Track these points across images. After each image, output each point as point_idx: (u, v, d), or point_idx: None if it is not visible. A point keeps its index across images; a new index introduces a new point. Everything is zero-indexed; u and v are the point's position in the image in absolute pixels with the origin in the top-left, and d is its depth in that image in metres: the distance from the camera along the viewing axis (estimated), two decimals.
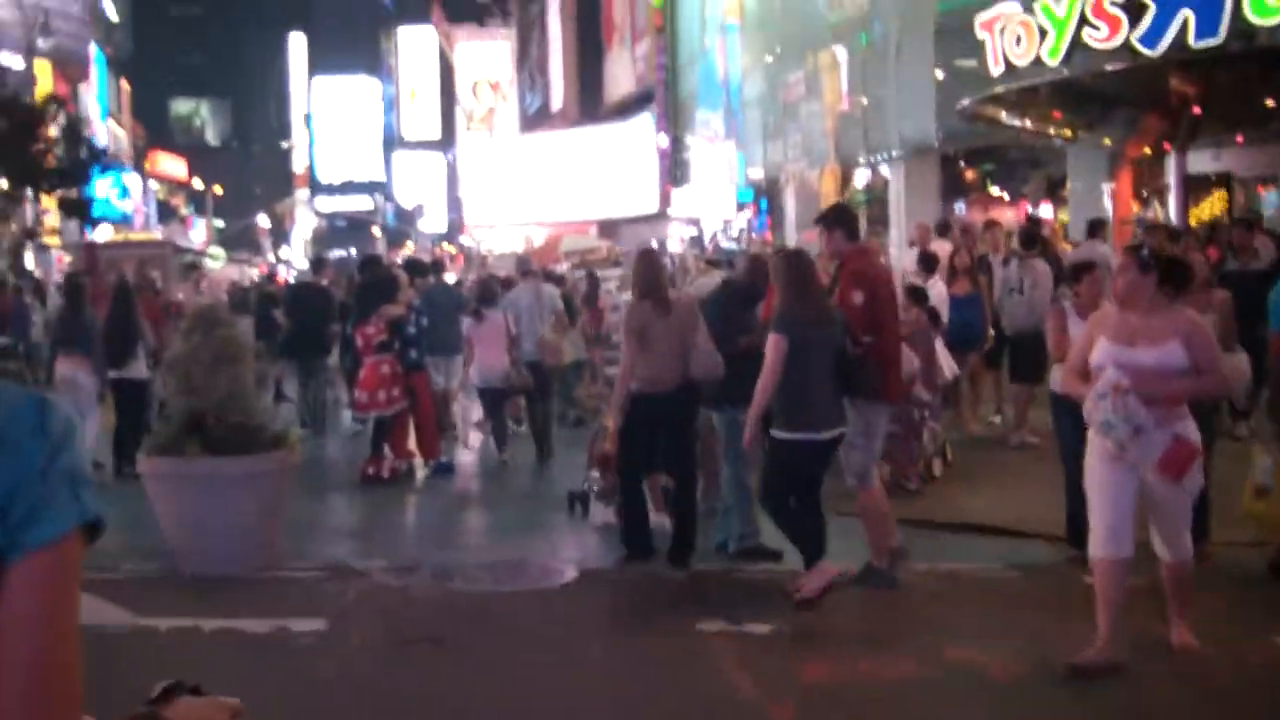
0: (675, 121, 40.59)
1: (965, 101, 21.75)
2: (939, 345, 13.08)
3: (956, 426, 14.63)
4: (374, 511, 13.13)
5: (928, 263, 15.18)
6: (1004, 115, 22.41)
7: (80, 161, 35.42)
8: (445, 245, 77.72)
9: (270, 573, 9.63)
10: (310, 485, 12.29)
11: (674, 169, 40.65)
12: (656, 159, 41.47)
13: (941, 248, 16.42)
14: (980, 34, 20.16)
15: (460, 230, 70.75)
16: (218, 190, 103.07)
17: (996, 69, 19.89)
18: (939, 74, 25.37)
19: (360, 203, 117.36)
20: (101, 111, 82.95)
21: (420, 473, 14.71)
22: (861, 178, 32.42)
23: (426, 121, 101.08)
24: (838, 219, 9.51)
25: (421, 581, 9.53)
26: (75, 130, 35.70)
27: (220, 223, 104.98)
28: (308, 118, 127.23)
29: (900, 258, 19.17)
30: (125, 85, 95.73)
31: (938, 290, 14.45)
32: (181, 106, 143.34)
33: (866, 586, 8.96)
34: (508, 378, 15.14)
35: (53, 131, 34.49)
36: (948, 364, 13.15)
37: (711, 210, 38.53)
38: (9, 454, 1.61)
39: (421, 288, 16.41)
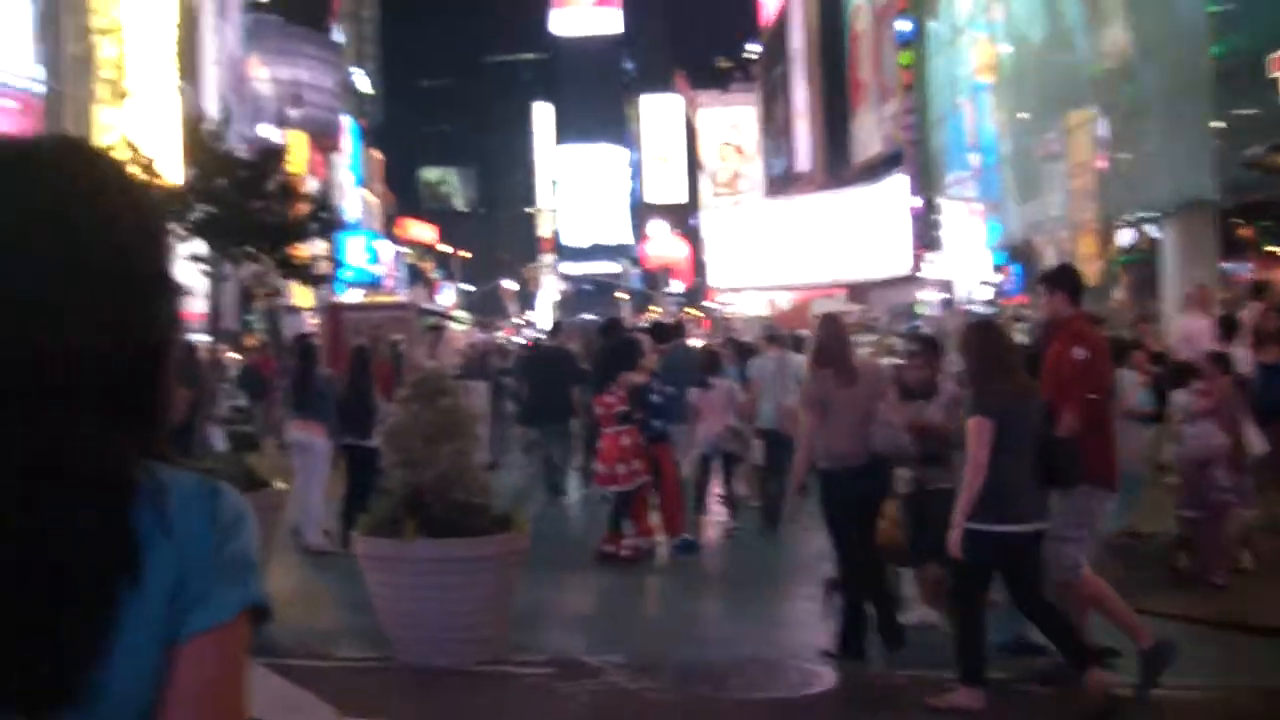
0: (925, 182, 39.11)
1: (1255, 149, 19.92)
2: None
3: (1264, 512, 12.95)
4: (611, 596, 12.13)
5: (1229, 326, 13.60)
6: None
7: (302, 219, 34.91)
8: (690, 309, 77.11)
9: (492, 667, 8.61)
10: (541, 564, 11.19)
11: (925, 230, 39.15)
12: (908, 221, 40.03)
13: (1252, 311, 14.63)
14: (1272, 73, 18.44)
15: (705, 294, 70.06)
16: (465, 255, 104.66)
17: None
18: (1216, 123, 23.48)
19: (606, 267, 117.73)
20: (355, 180, 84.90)
21: (662, 551, 13.63)
22: (1125, 238, 30.48)
23: (672, 186, 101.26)
24: (1061, 280, 8.76)
25: (662, 684, 8.42)
26: (292, 188, 34.89)
27: (468, 287, 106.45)
28: (554, 184, 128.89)
29: (1175, 321, 17.40)
30: (377, 155, 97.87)
31: (1241, 357, 12.87)
32: (430, 174, 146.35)
33: (1156, 673, 7.51)
34: (725, 442, 14.92)
35: (272, 188, 33.85)
36: (1256, 440, 11.57)
37: (965, 273, 36.97)
38: (178, 542, 1.63)
39: (665, 353, 15.51)
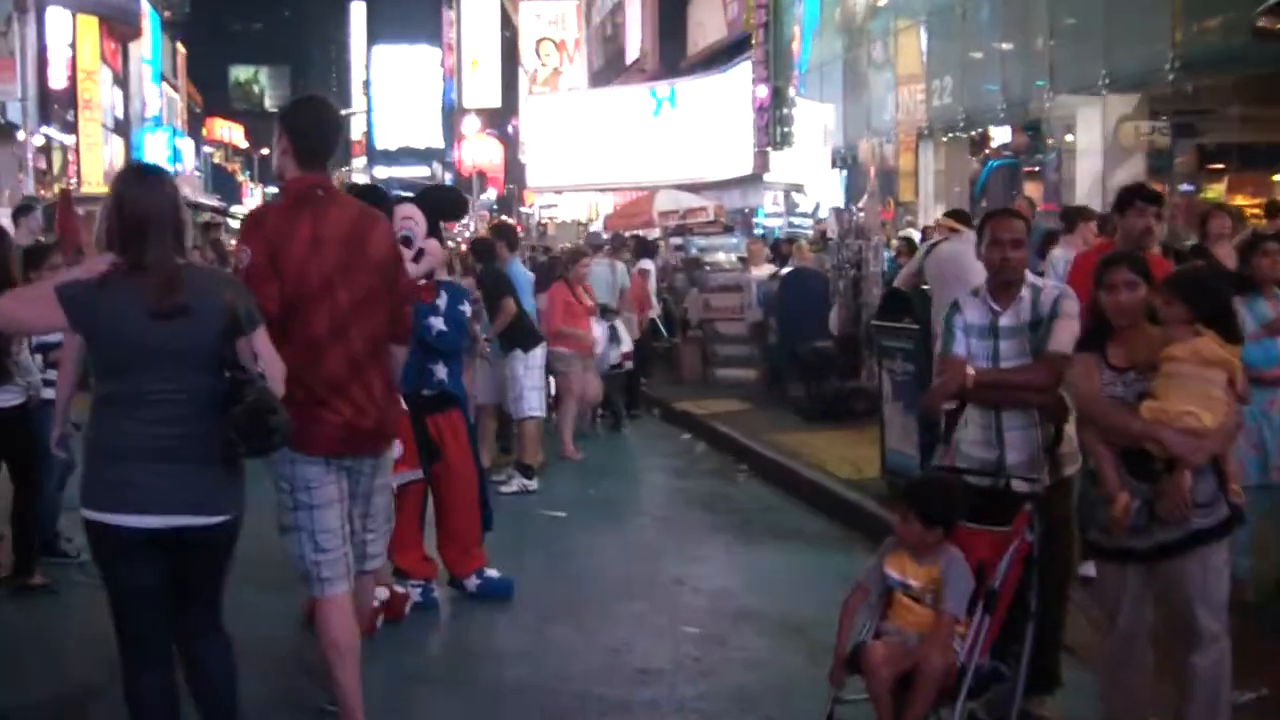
0: (776, 71, 32.84)
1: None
2: None
3: None
4: None
5: None
6: None
7: None
8: (503, 217, 71.08)
9: None
10: None
11: (772, 126, 32.90)
12: (749, 115, 33.75)
13: None
14: None
15: (519, 200, 63.70)
16: (264, 152, 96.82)
17: None
18: None
19: (417, 171, 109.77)
20: (154, 73, 76.67)
21: None
22: (1001, 136, 24.56)
23: (486, 90, 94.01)
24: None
25: None
26: None
27: (275, 190, 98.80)
28: (366, 85, 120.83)
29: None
30: (181, 49, 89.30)
31: None
32: (240, 73, 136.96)
33: None
34: None
35: None
36: None
37: (816, 176, 30.97)
38: None
39: None
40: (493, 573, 8.03)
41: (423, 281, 7.56)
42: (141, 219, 4.54)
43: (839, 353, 14.78)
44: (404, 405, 7.25)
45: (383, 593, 7.36)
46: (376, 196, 7.05)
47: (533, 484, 11.74)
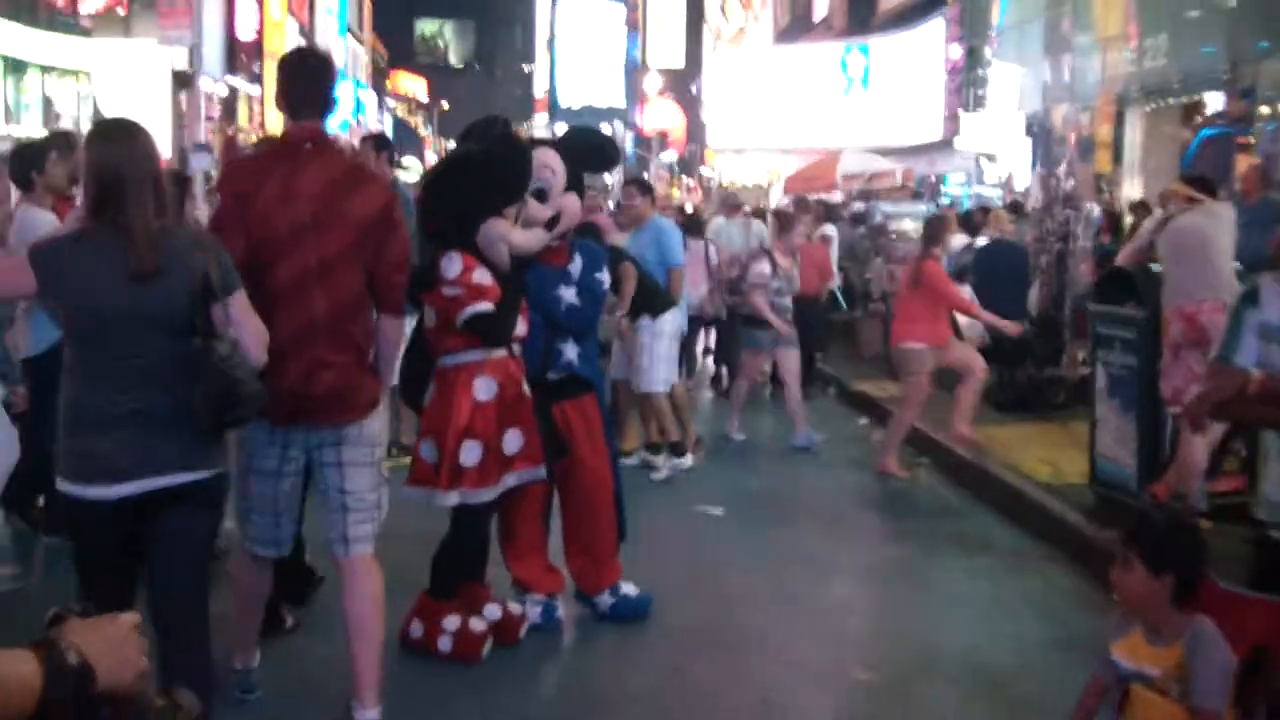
0: (973, 29, 30.96)
1: None
2: None
3: None
4: None
5: None
6: None
7: None
8: (683, 176, 70.04)
9: None
10: None
11: (965, 89, 31.02)
12: (941, 76, 31.90)
13: None
14: None
15: (700, 161, 62.40)
16: (444, 106, 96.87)
17: None
18: None
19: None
20: (339, 26, 77.13)
21: None
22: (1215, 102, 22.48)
23: (670, 49, 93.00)
24: None
25: None
26: None
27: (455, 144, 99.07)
28: (551, 41, 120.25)
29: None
30: (367, 1, 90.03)
31: None
32: (426, 26, 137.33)
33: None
34: (701, 306, 13.57)
35: None
36: None
37: (1008, 143, 29.07)
38: None
39: None
40: (629, 589, 6.82)
41: (555, 243, 6.38)
42: (118, 178, 4.21)
43: (1037, 336, 13.25)
44: (528, 392, 6.12)
45: (494, 611, 6.23)
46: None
47: (687, 461, 10.57)
